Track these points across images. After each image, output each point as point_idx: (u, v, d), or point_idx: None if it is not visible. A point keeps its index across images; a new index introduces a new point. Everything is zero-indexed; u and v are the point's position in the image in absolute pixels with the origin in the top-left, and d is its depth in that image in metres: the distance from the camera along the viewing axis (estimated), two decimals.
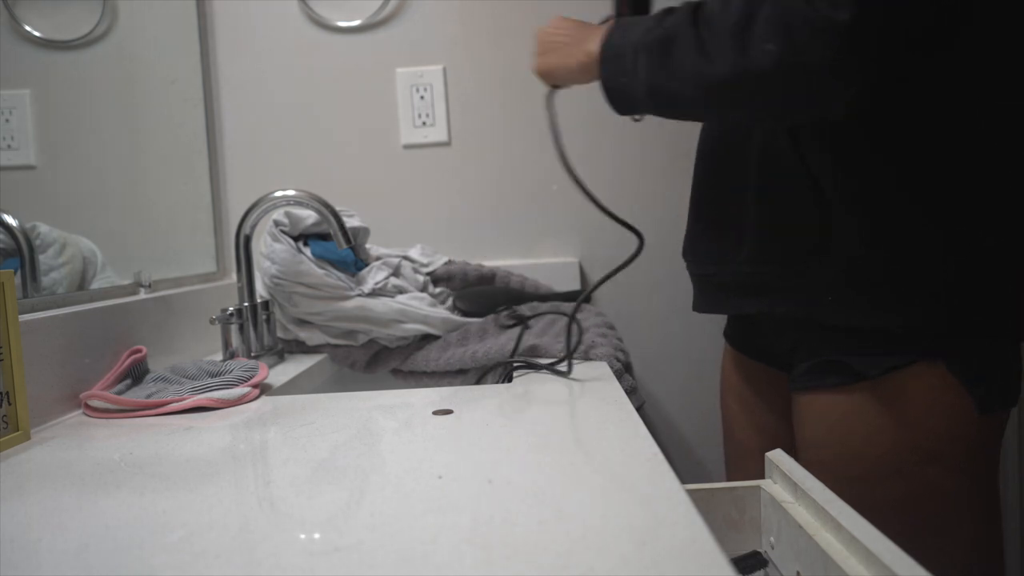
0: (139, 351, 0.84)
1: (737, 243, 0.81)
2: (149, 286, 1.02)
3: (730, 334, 0.99)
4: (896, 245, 0.71)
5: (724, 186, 0.85)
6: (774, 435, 0.91)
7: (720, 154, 0.86)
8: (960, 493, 0.73)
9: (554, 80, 0.86)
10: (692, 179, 0.95)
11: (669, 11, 0.72)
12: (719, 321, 1.46)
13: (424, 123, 1.39)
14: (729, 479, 0.99)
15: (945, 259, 0.70)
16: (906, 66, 0.67)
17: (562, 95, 1.38)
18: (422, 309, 1.06)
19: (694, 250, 0.90)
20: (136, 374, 0.83)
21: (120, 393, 0.78)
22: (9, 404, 0.65)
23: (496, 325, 1.08)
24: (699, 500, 0.60)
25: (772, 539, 0.59)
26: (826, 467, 0.77)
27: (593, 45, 0.78)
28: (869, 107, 0.70)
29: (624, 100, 0.76)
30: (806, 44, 0.60)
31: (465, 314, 1.13)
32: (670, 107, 0.74)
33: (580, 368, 0.85)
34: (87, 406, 0.76)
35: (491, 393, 0.75)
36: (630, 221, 1.45)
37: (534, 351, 0.93)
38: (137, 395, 0.77)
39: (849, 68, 0.62)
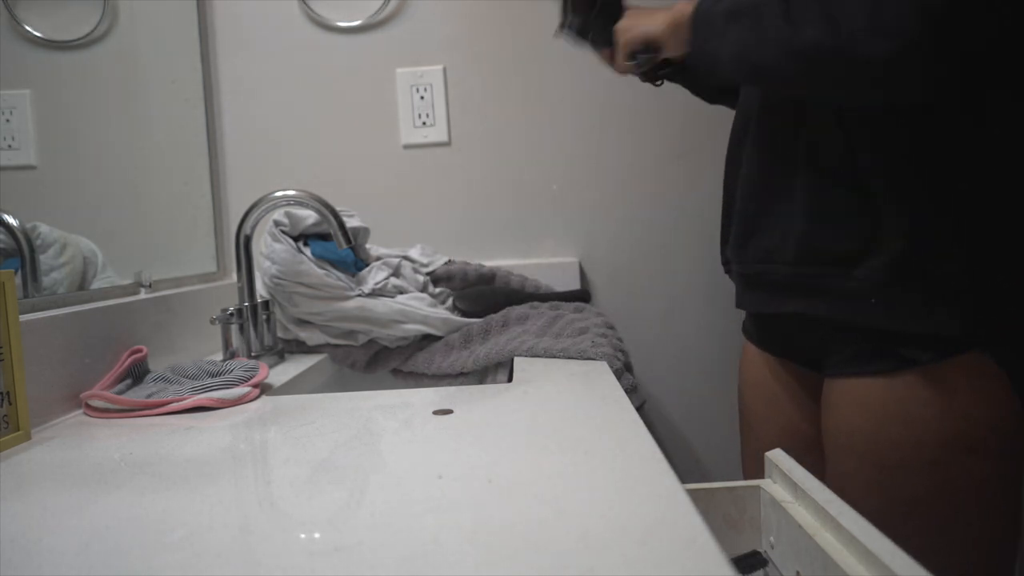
0: (139, 351, 0.84)
1: (783, 243, 0.81)
2: (149, 286, 1.03)
3: (752, 332, 0.98)
4: (946, 248, 0.71)
5: (770, 186, 0.84)
6: (796, 432, 0.91)
7: (766, 153, 0.85)
8: (992, 485, 0.73)
9: (631, 34, 0.88)
10: (726, 180, 0.95)
11: None
12: (719, 320, 1.46)
13: (424, 123, 1.39)
14: (746, 476, 0.99)
15: (995, 264, 0.70)
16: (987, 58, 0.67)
17: (553, 101, 1.38)
18: (422, 309, 1.06)
19: (741, 249, 0.89)
20: (136, 374, 0.83)
21: (120, 393, 0.78)
22: (9, 404, 0.65)
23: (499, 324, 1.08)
24: (699, 500, 0.60)
25: (772, 539, 0.59)
26: (858, 454, 0.77)
27: (685, 8, 0.82)
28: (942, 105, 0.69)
29: (709, 62, 0.79)
30: (896, 22, 0.60)
31: (465, 314, 1.13)
32: (752, 73, 0.75)
33: (580, 368, 0.85)
34: (87, 406, 0.76)
35: (491, 393, 0.75)
36: (630, 223, 1.45)
37: (533, 351, 0.93)
38: (137, 395, 0.77)
39: (931, 54, 0.61)
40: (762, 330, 0.95)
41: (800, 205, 0.79)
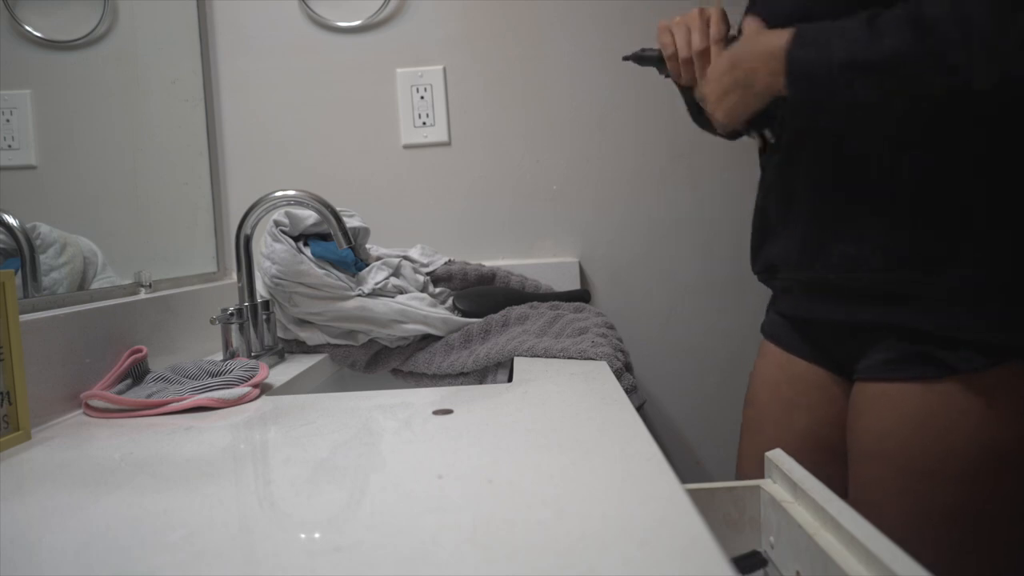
0: (139, 351, 0.84)
1: (869, 249, 0.78)
2: (149, 286, 1.02)
3: (779, 334, 0.94)
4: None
5: (848, 191, 0.79)
6: (817, 437, 0.88)
7: (841, 158, 0.80)
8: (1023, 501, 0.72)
9: (741, 121, 0.80)
10: (778, 187, 0.88)
11: (870, 20, 0.68)
12: (720, 320, 1.46)
13: (424, 123, 1.39)
14: (741, 477, 0.98)
15: None
16: None
17: (553, 101, 1.38)
18: (422, 309, 1.06)
19: (813, 257, 0.83)
20: (136, 374, 0.83)
21: (120, 393, 0.78)
22: (10, 404, 0.65)
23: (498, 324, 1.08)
24: (699, 500, 0.60)
25: (772, 539, 0.59)
26: (888, 459, 0.76)
27: (771, 70, 0.73)
28: None
29: (820, 117, 0.74)
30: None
31: (465, 314, 1.13)
32: (873, 125, 0.74)
33: (580, 368, 0.85)
34: (87, 406, 0.76)
35: (491, 393, 0.75)
36: (630, 223, 1.45)
37: (533, 351, 0.93)
38: (137, 395, 0.77)
39: None
40: (796, 333, 0.92)
41: (886, 211, 0.76)
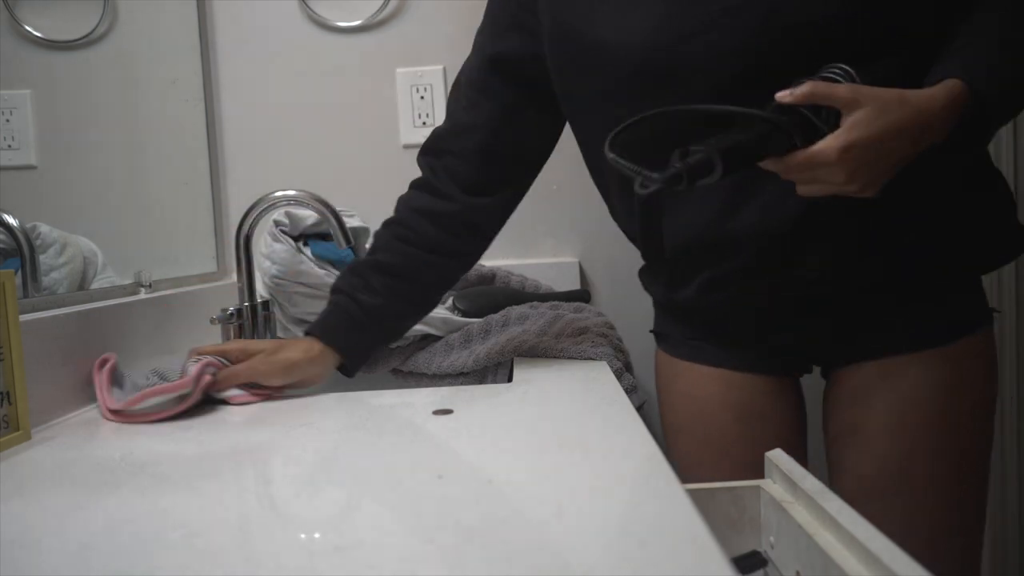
0: (108, 359, 0.80)
1: (918, 251, 0.76)
2: (149, 286, 1.02)
3: (713, 356, 0.88)
4: None
5: (890, 195, 0.69)
6: (780, 442, 0.87)
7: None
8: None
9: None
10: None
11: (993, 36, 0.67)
12: None
13: (424, 123, 1.39)
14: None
15: None
16: None
17: None
18: None
19: (859, 262, 0.77)
20: (118, 380, 0.80)
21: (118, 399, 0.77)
22: (9, 404, 0.65)
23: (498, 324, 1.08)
24: (699, 500, 0.60)
25: (772, 539, 0.59)
26: (915, 428, 0.79)
27: (936, 131, 0.64)
28: None
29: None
30: None
31: (465, 314, 1.13)
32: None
33: (580, 368, 0.85)
34: (113, 411, 0.73)
35: (491, 393, 0.75)
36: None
37: (533, 351, 0.93)
38: (127, 396, 0.76)
39: None
40: (743, 351, 0.87)
41: (944, 210, 0.75)
